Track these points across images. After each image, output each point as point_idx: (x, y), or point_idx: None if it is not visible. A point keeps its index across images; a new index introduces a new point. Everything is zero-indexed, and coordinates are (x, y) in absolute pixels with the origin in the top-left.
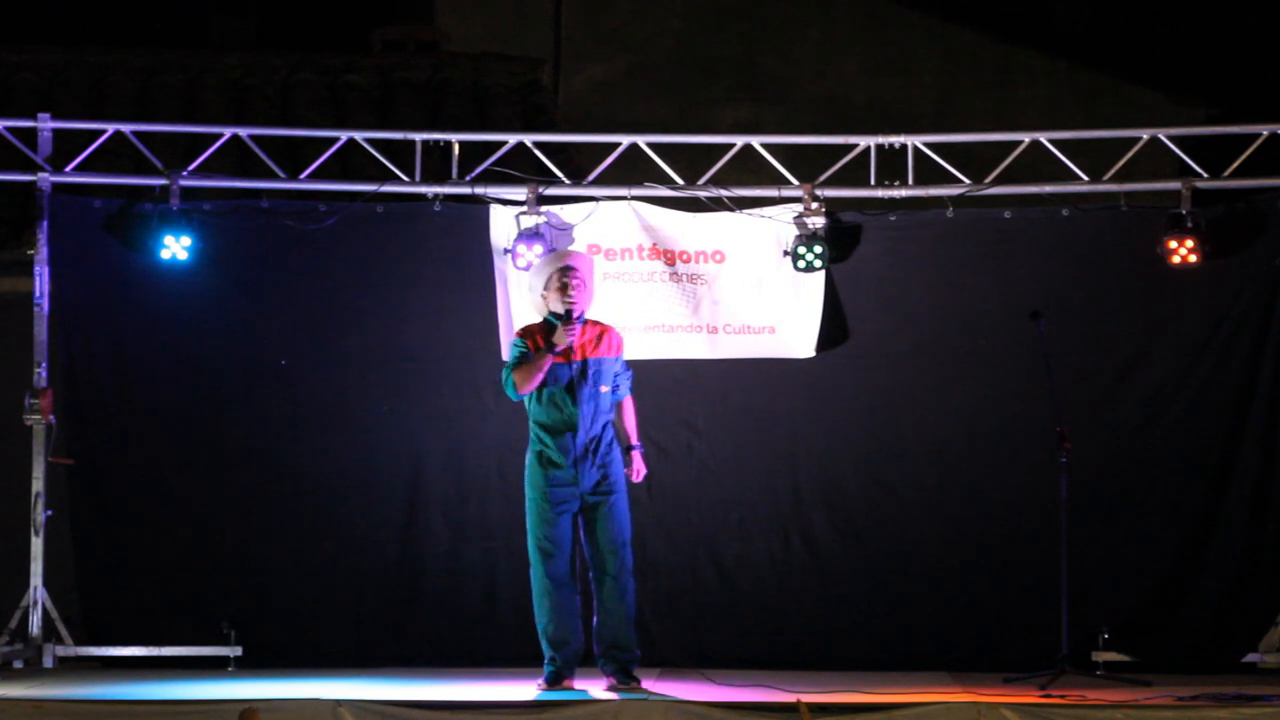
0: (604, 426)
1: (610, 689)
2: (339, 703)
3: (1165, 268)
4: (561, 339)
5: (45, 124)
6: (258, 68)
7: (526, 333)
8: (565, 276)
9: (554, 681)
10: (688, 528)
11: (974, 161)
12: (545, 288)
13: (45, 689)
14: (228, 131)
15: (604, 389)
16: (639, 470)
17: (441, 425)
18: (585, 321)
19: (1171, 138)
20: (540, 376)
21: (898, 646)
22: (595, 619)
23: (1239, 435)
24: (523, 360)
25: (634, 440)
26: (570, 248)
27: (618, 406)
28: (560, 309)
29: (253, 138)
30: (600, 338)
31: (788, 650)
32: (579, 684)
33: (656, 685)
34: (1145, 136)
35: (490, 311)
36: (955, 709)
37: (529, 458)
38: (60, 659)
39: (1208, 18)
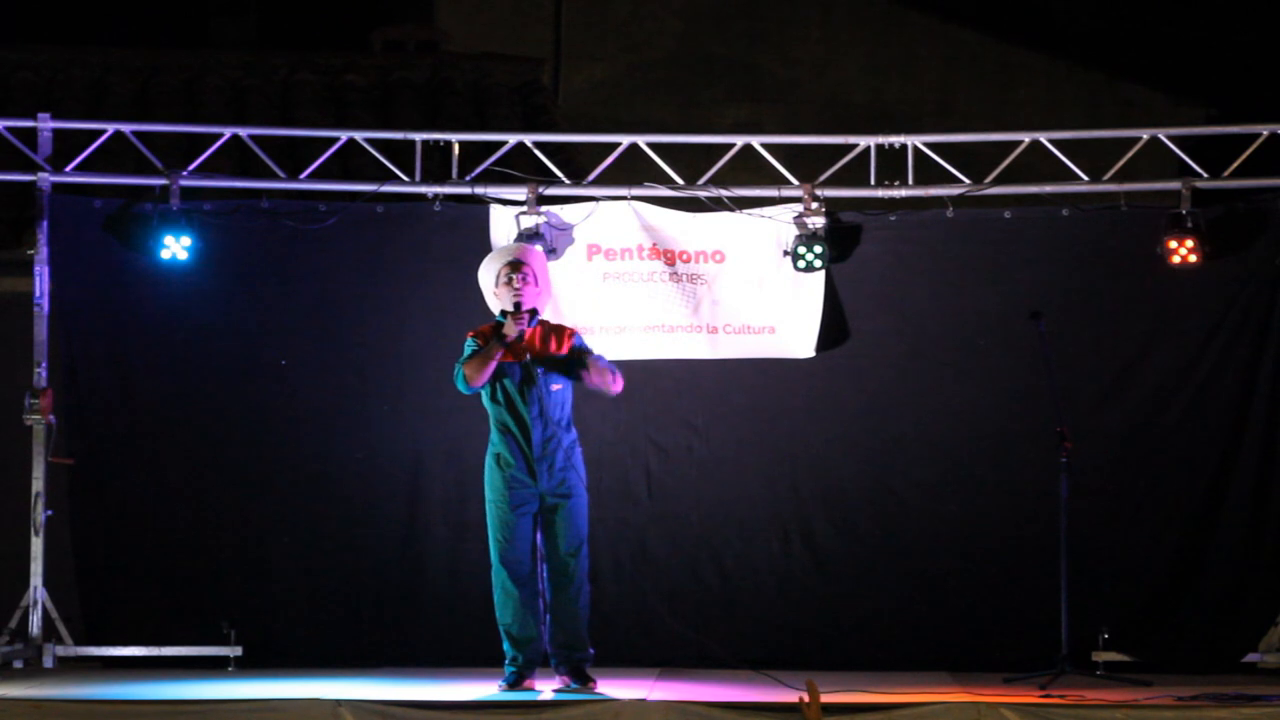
0: (562, 426)
1: (563, 689)
2: (339, 703)
3: (1165, 268)
4: (511, 329)
5: (45, 124)
6: (258, 68)
7: (478, 333)
8: (511, 272)
9: (515, 682)
10: (688, 528)
11: (974, 161)
12: (496, 285)
13: (45, 689)
14: (228, 131)
15: (555, 387)
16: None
17: (441, 425)
18: (537, 319)
19: (1171, 138)
20: (490, 368)
21: (898, 646)
22: (549, 619)
23: (1239, 435)
24: (475, 354)
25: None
26: (519, 244)
27: (589, 369)
28: (508, 305)
29: (253, 138)
30: (549, 336)
31: (788, 650)
32: (539, 684)
33: (657, 685)
34: (1145, 136)
35: (490, 312)
36: (955, 709)
37: (487, 460)
38: (60, 659)
39: (1208, 18)
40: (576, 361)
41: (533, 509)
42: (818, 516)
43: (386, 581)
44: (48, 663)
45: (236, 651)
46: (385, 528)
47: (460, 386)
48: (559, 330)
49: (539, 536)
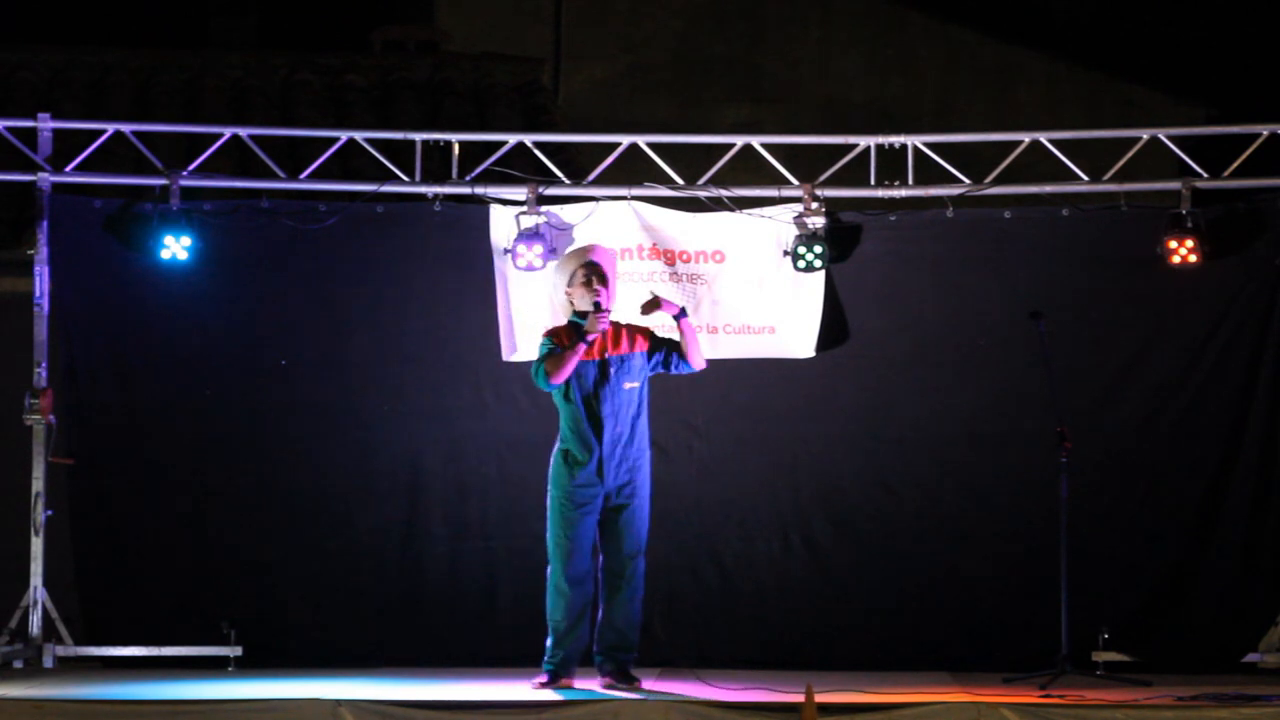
0: (631, 425)
1: (606, 687)
2: (339, 703)
3: (1165, 268)
4: (594, 326)
5: (45, 124)
6: (258, 68)
7: (552, 332)
8: (590, 273)
9: (554, 680)
10: (688, 528)
11: (974, 161)
12: (569, 284)
13: (45, 689)
14: (228, 131)
15: (628, 385)
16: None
17: (441, 425)
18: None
19: (1171, 138)
20: (573, 365)
21: (898, 646)
22: (600, 617)
23: (1239, 435)
24: (553, 353)
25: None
26: (593, 244)
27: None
28: (586, 304)
29: (253, 138)
30: (621, 336)
31: (788, 650)
32: (579, 683)
33: (656, 685)
34: (1145, 136)
35: (490, 311)
36: (955, 709)
37: (555, 456)
38: (60, 659)
39: (1208, 18)
40: (666, 343)
41: (597, 508)
42: (818, 516)
43: (386, 581)
44: (48, 663)
45: (236, 651)
46: (385, 527)
47: (540, 383)
48: (631, 330)
49: (599, 538)
